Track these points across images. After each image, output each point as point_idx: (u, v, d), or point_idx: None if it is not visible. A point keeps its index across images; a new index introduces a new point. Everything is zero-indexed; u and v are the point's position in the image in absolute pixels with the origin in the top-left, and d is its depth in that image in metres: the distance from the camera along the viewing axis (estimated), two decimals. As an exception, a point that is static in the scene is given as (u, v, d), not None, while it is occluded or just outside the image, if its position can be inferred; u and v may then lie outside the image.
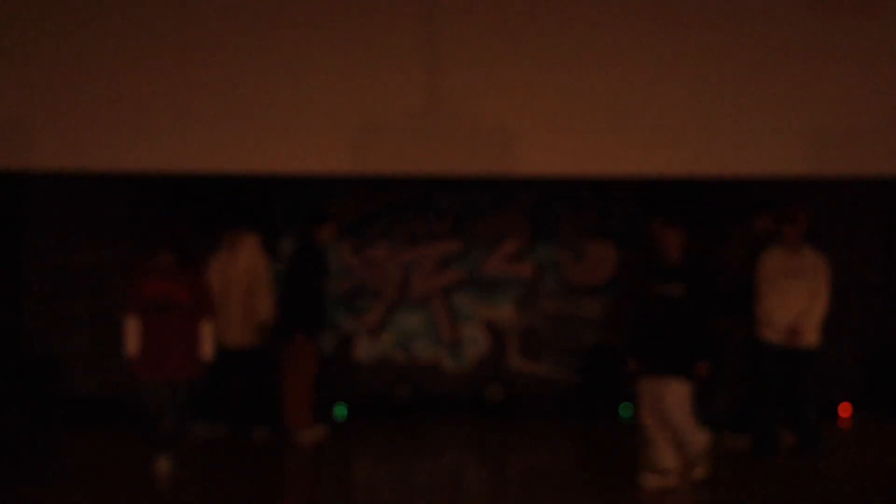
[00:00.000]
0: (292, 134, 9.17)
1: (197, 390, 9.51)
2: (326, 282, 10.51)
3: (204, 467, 9.18)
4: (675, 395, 8.29)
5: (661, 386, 8.34)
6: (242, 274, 10.41)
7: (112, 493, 8.19)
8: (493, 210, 11.93)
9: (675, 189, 10.87)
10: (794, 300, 9.42)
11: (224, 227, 10.58)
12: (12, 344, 11.49)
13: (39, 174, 10.49)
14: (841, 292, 10.51)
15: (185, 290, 8.92)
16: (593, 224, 11.92)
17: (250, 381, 10.48)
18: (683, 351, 8.32)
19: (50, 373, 11.45)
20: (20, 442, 10.13)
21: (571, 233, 11.92)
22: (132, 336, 8.89)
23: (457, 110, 9.20)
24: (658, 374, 8.35)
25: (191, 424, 9.98)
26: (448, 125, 9.24)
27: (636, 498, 8.13)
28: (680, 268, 8.43)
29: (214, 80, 9.10)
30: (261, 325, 10.37)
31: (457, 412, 11.63)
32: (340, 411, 11.34)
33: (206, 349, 8.96)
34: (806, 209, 9.62)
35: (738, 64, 9.19)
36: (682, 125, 9.22)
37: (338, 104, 9.14)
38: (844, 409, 11.32)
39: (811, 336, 9.45)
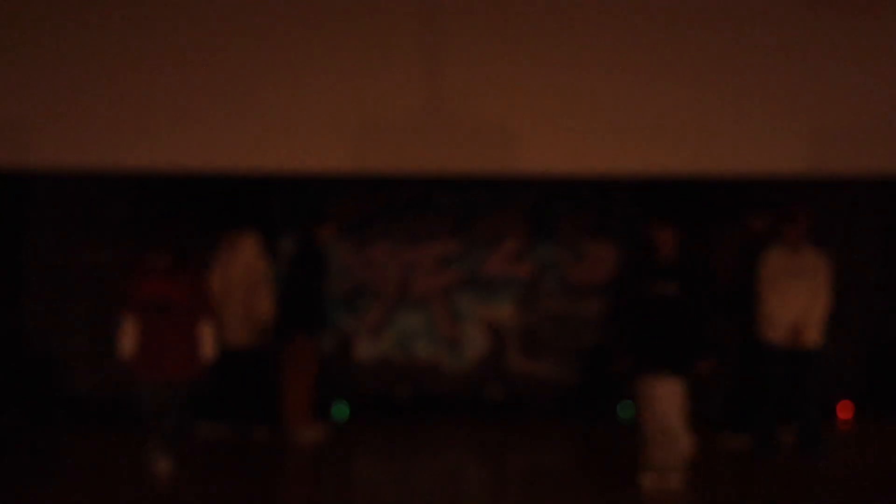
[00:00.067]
0: (292, 133, 9.17)
1: (198, 390, 9.50)
2: (326, 282, 10.51)
3: (204, 467, 9.18)
4: (669, 395, 8.28)
5: (656, 385, 8.33)
6: (242, 274, 10.41)
7: (112, 493, 8.18)
8: (493, 210, 11.93)
9: (673, 188, 10.87)
10: (796, 300, 9.41)
11: (224, 227, 10.58)
12: (12, 344, 11.49)
13: (39, 174, 10.49)
14: (841, 292, 10.51)
15: (185, 290, 8.91)
16: (593, 224, 11.92)
17: (250, 381, 10.48)
18: (678, 350, 8.32)
19: (50, 373, 11.45)
20: (20, 442, 10.12)
21: (571, 233, 11.92)
22: (128, 336, 8.88)
23: (457, 110, 9.20)
24: (653, 373, 8.34)
25: (192, 425, 9.98)
26: (448, 125, 9.24)
27: (636, 498, 8.12)
28: (674, 267, 8.42)
29: (214, 79, 9.10)
30: (260, 325, 10.36)
31: (457, 412, 11.62)
32: (342, 411, 11.33)
33: (207, 349, 8.95)
34: (806, 209, 9.62)
35: (738, 63, 9.19)
36: (682, 124, 9.21)
37: (338, 104, 9.14)
38: (845, 410, 11.32)
39: (813, 336, 9.44)
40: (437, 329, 11.92)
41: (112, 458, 9.42)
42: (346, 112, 9.18)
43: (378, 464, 9.74)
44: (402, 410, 11.59)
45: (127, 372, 9.08)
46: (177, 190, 11.36)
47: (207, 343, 8.95)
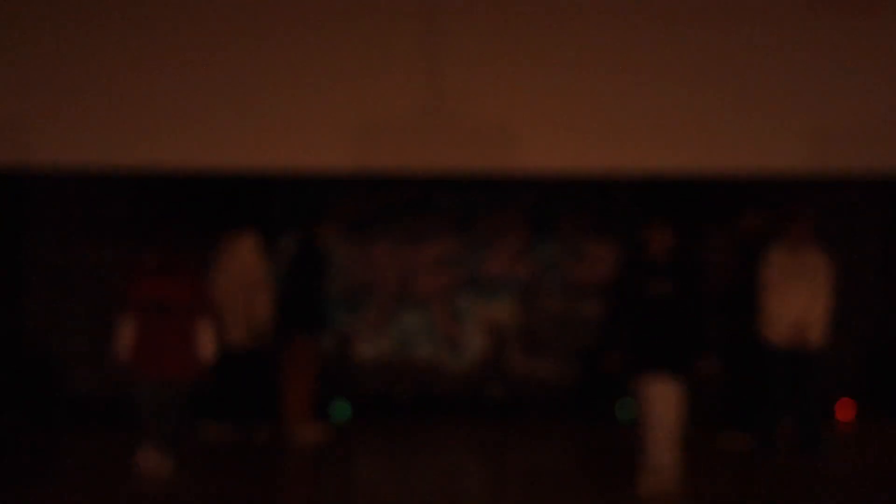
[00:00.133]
0: (292, 133, 9.17)
1: (199, 390, 9.50)
2: (326, 282, 10.51)
3: (204, 467, 9.18)
4: (668, 395, 8.27)
5: (654, 385, 8.32)
6: (241, 274, 10.40)
7: (112, 493, 8.18)
8: (493, 210, 11.93)
9: (671, 188, 10.87)
10: (798, 300, 9.41)
11: (223, 226, 10.57)
12: (12, 344, 11.49)
13: (39, 174, 10.49)
14: (841, 292, 10.50)
15: (184, 289, 8.91)
16: (593, 224, 11.92)
17: (250, 381, 10.47)
18: (676, 350, 8.31)
19: (50, 373, 11.45)
20: (20, 442, 10.12)
21: (571, 233, 11.92)
22: (125, 336, 8.87)
23: (457, 110, 9.20)
24: (651, 373, 8.34)
25: (193, 425, 9.97)
26: (448, 125, 9.24)
27: (636, 498, 8.12)
28: (670, 266, 8.42)
29: (214, 78, 9.10)
30: (259, 325, 10.36)
31: (457, 412, 11.62)
32: (344, 410, 11.33)
33: (206, 349, 8.94)
34: (807, 208, 9.63)
35: (738, 63, 9.19)
36: (682, 124, 9.21)
37: (338, 103, 9.14)
38: (845, 410, 11.32)
39: (815, 336, 9.44)
40: (437, 329, 11.92)
41: (112, 458, 9.41)
42: (346, 112, 9.18)
43: (378, 464, 9.74)
44: (402, 410, 11.59)
45: (126, 372, 9.07)
46: (176, 190, 11.36)
47: (207, 343, 8.94)
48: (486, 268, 11.93)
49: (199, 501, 8.09)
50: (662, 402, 8.28)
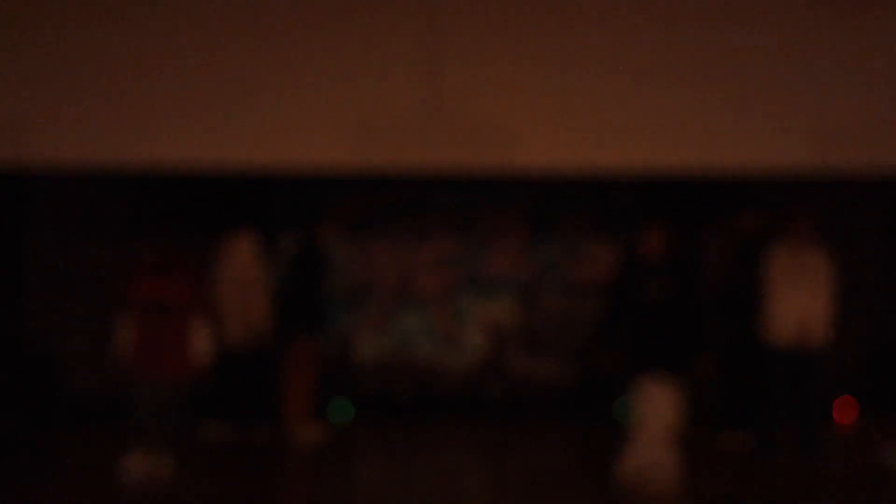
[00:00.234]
0: (292, 132, 9.17)
1: (199, 390, 9.49)
2: (326, 282, 10.51)
3: (204, 467, 9.17)
4: (662, 395, 8.27)
5: (652, 385, 8.32)
6: (240, 273, 10.41)
7: (112, 493, 8.18)
8: (493, 210, 11.93)
9: (670, 189, 10.87)
10: (799, 300, 9.41)
11: (223, 226, 10.57)
12: (12, 344, 11.49)
13: (39, 173, 10.48)
14: (841, 292, 10.50)
15: (183, 289, 8.91)
16: (593, 224, 11.92)
17: (250, 381, 10.48)
18: (673, 350, 8.31)
19: (50, 373, 11.45)
20: (20, 442, 10.12)
21: (571, 233, 11.92)
22: (125, 336, 8.87)
23: (457, 110, 9.20)
24: (648, 373, 8.33)
25: (193, 425, 9.97)
26: (448, 125, 9.24)
27: (636, 498, 8.12)
28: (667, 266, 8.42)
29: (215, 77, 9.10)
30: (257, 324, 10.36)
31: (457, 412, 11.62)
32: (346, 410, 11.32)
33: (204, 349, 8.94)
34: (809, 208, 9.63)
35: (738, 63, 9.19)
36: (682, 124, 9.21)
37: (338, 103, 9.14)
38: (846, 410, 11.32)
39: (816, 336, 9.44)
40: (437, 329, 11.91)
41: (112, 458, 9.40)
42: (346, 111, 9.18)
43: (378, 463, 9.74)
44: (402, 410, 11.58)
45: (126, 371, 9.07)
46: (176, 189, 11.36)
47: (205, 342, 8.94)
48: (486, 268, 11.93)
49: (199, 501, 8.08)
50: (659, 403, 8.28)
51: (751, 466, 9.14)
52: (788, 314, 9.41)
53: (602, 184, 11.63)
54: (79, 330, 11.54)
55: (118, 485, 8.39)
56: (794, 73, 9.19)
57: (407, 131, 9.22)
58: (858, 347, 11.74)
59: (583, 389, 11.69)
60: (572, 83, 9.21)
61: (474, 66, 9.14)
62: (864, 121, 9.21)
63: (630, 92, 9.17)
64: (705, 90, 9.20)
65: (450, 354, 11.90)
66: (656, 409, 8.31)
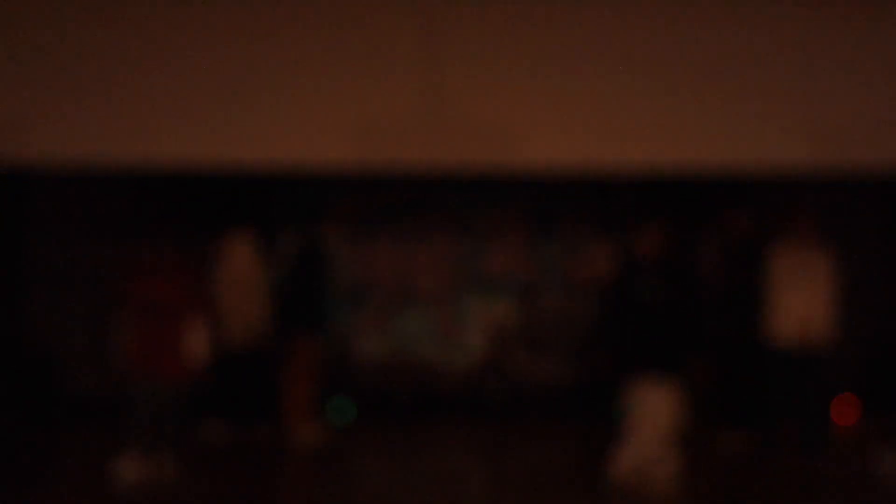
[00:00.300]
0: (292, 132, 9.17)
1: (199, 390, 9.49)
2: (327, 281, 10.51)
3: (204, 467, 9.17)
4: (662, 395, 8.26)
5: (649, 385, 8.31)
6: (240, 273, 10.41)
7: (112, 494, 8.18)
8: (493, 210, 11.93)
9: (672, 189, 10.87)
10: (801, 300, 9.41)
11: (223, 226, 10.57)
12: (12, 344, 11.49)
13: (39, 174, 10.49)
14: (841, 292, 10.50)
15: (183, 288, 8.90)
16: (593, 224, 11.92)
17: (251, 380, 10.48)
18: (668, 350, 8.31)
19: (50, 373, 11.44)
20: (20, 442, 10.12)
21: (571, 233, 11.92)
22: (123, 336, 8.86)
23: (457, 109, 9.20)
24: (645, 374, 8.33)
25: (193, 425, 9.97)
26: (448, 124, 9.24)
27: (636, 498, 8.12)
28: (663, 267, 8.42)
29: (215, 75, 9.11)
30: (256, 324, 10.36)
31: (457, 412, 11.62)
32: (348, 411, 11.31)
33: (203, 349, 8.93)
34: (811, 208, 9.63)
35: (738, 62, 9.19)
36: (682, 123, 9.22)
37: (338, 103, 9.14)
38: (847, 410, 11.31)
39: (818, 336, 9.43)
40: (438, 329, 11.91)
41: (112, 458, 9.40)
42: (347, 110, 9.19)
43: (378, 463, 9.74)
44: (403, 410, 11.58)
45: (125, 371, 9.06)
46: (176, 189, 11.36)
47: (198, 342, 8.92)
48: (486, 267, 11.92)
49: (199, 501, 8.08)
50: (656, 403, 8.28)
51: (751, 466, 9.14)
52: (789, 314, 9.41)
53: (602, 183, 11.63)
54: (79, 330, 11.54)
55: (117, 485, 8.39)
56: (793, 73, 9.20)
57: (407, 130, 9.23)
58: (859, 347, 11.73)
59: (582, 389, 11.68)
60: (572, 83, 9.22)
61: (474, 66, 9.15)
62: (864, 120, 9.21)
63: (630, 92, 9.18)
64: (705, 90, 9.21)
65: (450, 354, 11.90)
66: (653, 409, 8.32)
